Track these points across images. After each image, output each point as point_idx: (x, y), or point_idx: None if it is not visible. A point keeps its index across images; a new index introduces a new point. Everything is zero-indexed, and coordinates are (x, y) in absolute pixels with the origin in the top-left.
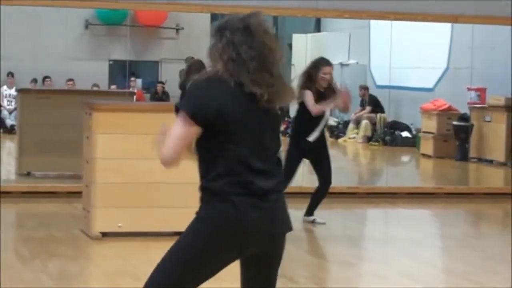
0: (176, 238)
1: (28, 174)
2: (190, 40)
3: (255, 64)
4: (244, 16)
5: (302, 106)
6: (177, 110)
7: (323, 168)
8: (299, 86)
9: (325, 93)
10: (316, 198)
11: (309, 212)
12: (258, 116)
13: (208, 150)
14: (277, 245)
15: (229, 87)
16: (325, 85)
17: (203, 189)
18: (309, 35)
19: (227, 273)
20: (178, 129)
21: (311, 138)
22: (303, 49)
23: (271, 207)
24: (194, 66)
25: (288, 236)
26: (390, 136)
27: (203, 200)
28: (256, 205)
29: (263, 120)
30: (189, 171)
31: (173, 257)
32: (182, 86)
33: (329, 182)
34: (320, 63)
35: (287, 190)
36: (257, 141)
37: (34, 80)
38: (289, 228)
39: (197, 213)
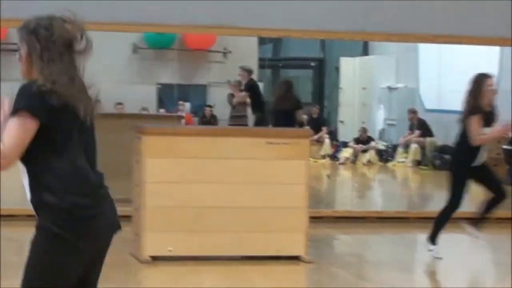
0: (226, 262)
1: None
2: (238, 63)
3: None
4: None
5: (465, 133)
6: None
7: (492, 180)
8: (465, 112)
9: (490, 116)
10: (490, 207)
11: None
12: None
13: None
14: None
15: None
16: (492, 98)
17: None
18: (356, 58)
19: None
20: None
21: (477, 163)
22: (351, 73)
23: None
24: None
25: (337, 260)
26: (439, 160)
27: None
28: None
29: None
30: (240, 196)
31: None
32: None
33: (504, 191)
34: (481, 77)
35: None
36: None
37: None
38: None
39: None
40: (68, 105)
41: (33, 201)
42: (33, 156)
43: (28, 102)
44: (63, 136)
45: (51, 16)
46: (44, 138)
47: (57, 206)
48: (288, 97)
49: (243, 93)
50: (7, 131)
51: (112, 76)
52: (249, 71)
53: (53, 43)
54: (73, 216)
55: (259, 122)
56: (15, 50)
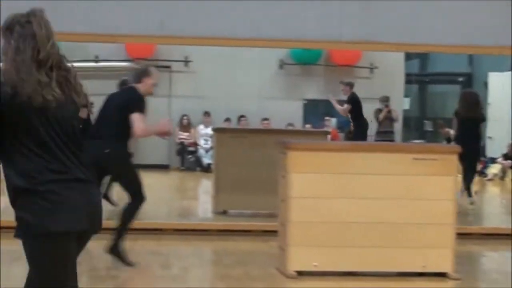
0: (371, 278)
1: (224, 212)
2: (384, 79)
3: None
4: None
5: None
6: None
7: None
8: None
9: None
10: None
11: None
12: None
13: None
14: None
15: None
16: None
17: None
18: (506, 73)
19: None
20: None
21: None
22: (500, 88)
23: None
24: None
25: (484, 277)
26: None
27: None
28: None
29: None
30: (386, 212)
31: None
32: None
33: None
34: None
35: None
36: None
37: (228, 119)
38: None
39: None
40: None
41: None
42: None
43: None
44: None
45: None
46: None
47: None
48: (476, 107)
49: (345, 106)
50: None
51: (259, 91)
52: (350, 85)
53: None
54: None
55: (358, 135)
56: (165, 67)
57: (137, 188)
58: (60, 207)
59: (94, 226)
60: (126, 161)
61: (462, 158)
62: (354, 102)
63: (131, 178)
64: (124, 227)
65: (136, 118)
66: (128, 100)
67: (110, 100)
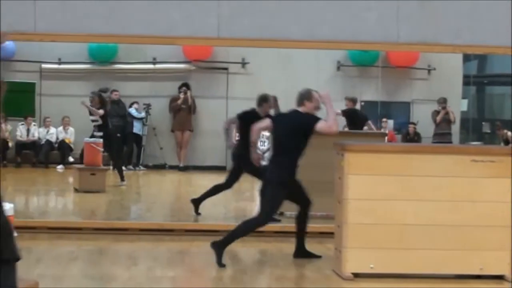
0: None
1: (281, 214)
2: (442, 80)
3: None
4: None
5: None
6: None
7: None
8: None
9: None
10: None
11: None
12: None
13: None
14: None
15: None
16: None
17: None
18: None
19: None
20: None
21: None
22: None
23: None
24: None
25: None
26: None
27: None
28: None
29: None
30: (443, 214)
31: None
32: None
33: None
34: None
35: None
36: None
37: None
38: None
39: None
40: None
41: None
42: None
43: None
44: None
45: None
46: None
47: None
48: None
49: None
50: None
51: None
52: (354, 100)
53: None
54: None
55: None
56: (222, 69)
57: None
58: None
59: None
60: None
61: None
62: (348, 116)
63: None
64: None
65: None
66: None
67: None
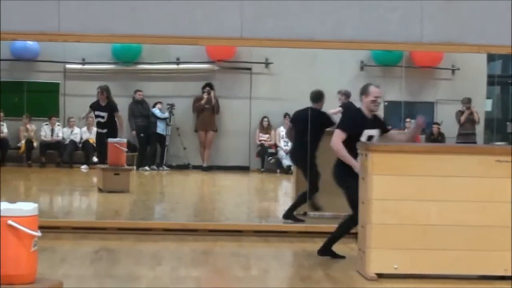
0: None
1: (305, 214)
2: (466, 80)
3: None
4: None
5: None
6: None
7: None
8: None
9: None
10: None
11: None
12: None
13: None
14: None
15: None
16: None
17: None
18: None
19: None
20: None
21: None
22: None
23: None
24: None
25: None
26: None
27: None
28: None
29: None
30: (467, 214)
31: None
32: None
33: None
34: None
35: None
36: None
37: None
38: None
39: None
40: None
41: None
42: None
43: None
44: None
45: None
46: None
47: None
48: None
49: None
50: None
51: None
52: (347, 94)
53: None
54: None
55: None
56: (245, 68)
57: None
58: None
59: None
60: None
61: None
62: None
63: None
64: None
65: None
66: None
67: None
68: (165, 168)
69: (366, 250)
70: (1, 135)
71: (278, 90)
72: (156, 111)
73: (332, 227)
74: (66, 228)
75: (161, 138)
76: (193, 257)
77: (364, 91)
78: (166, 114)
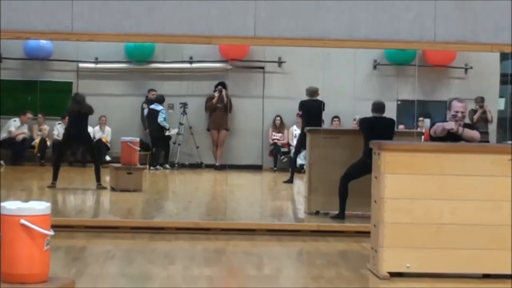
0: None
1: (317, 213)
2: (479, 79)
3: None
4: None
5: None
6: None
7: None
8: None
9: None
10: None
11: None
12: None
13: None
14: None
15: None
16: None
17: None
18: None
19: None
20: None
21: None
22: None
23: None
24: None
25: None
26: None
27: None
28: None
29: None
30: (480, 213)
31: None
32: None
33: None
34: None
35: None
36: None
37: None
38: None
39: None
40: None
41: None
42: None
43: None
44: None
45: None
46: None
47: None
48: None
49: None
50: None
51: (352, 92)
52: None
53: None
54: None
55: None
56: (258, 67)
57: None
58: None
59: None
60: None
61: None
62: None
63: None
64: None
65: None
66: None
67: None
68: (167, 166)
69: (378, 249)
70: (23, 136)
71: (291, 89)
72: (161, 119)
73: (345, 225)
74: (79, 227)
75: (167, 138)
76: (205, 256)
77: (448, 105)
78: (166, 123)
